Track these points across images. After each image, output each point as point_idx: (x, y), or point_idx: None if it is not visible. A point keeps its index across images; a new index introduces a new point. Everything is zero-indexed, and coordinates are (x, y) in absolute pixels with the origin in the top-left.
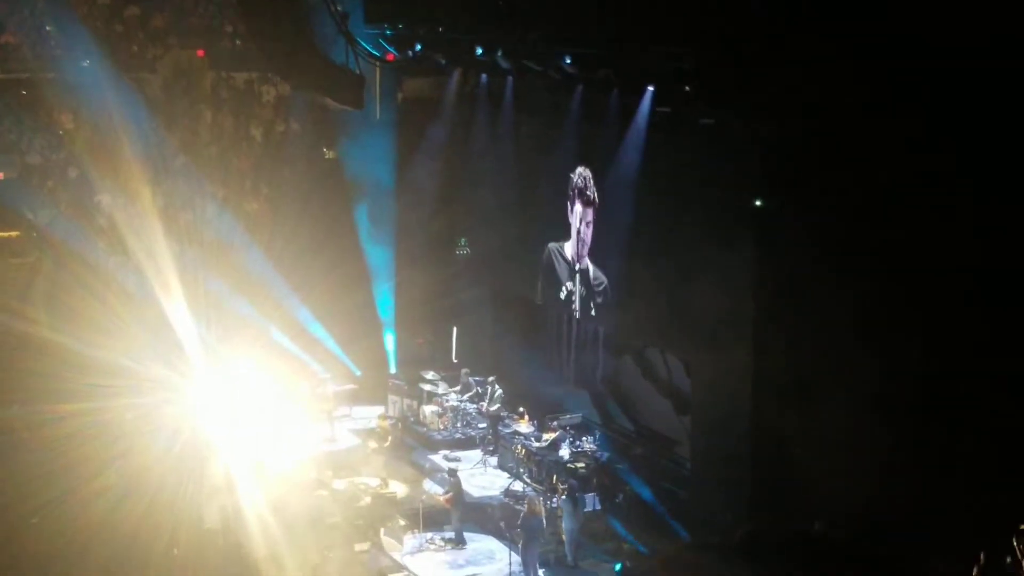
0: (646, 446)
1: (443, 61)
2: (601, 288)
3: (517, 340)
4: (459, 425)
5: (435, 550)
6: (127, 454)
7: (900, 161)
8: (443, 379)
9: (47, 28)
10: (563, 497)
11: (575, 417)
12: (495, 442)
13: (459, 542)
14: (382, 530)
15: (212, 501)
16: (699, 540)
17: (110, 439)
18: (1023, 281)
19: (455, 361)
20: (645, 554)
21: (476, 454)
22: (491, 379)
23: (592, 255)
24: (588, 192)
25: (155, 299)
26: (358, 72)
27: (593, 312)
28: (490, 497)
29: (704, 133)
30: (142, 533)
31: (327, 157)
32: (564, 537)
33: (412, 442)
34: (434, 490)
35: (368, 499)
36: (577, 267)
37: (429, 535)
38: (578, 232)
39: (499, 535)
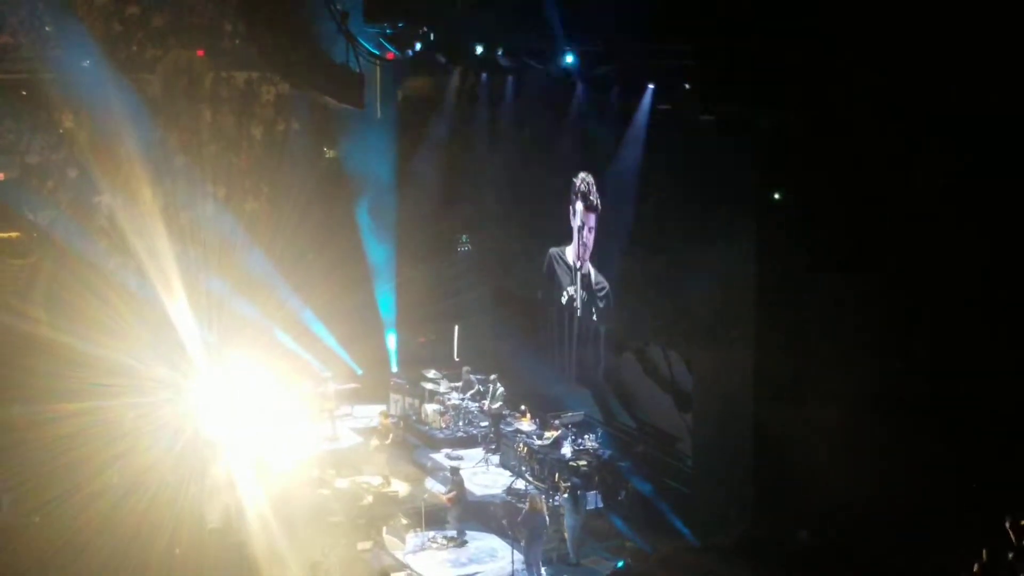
0: (648, 443)
1: (443, 60)
2: (603, 292)
3: (519, 338)
4: (461, 424)
5: (437, 549)
6: (128, 453)
7: (901, 158)
8: (445, 377)
9: (47, 28)
10: (565, 495)
11: (577, 415)
12: (497, 440)
13: (460, 540)
14: (384, 529)
15: (214, 500)
16: (700, 540)
17: (111, 438)
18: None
19: (457, 359)
20: (647, 552)
21: (478, 452)
22: (493, 377)
23: (594, 259)
24: (591, 197)
25: (156, 298)
26: (358, 71)
27: (595, 316)
28: (492, 495)
29: (704, 130)
30: (143, 532)
31: (328, 156)
32: (566, 535)
33: (414, 441)
34: (436, 489)
35: (370, 498)
36: (579, 272)
37: (431, 534)
38: (580, 236)
39: (501, 533)
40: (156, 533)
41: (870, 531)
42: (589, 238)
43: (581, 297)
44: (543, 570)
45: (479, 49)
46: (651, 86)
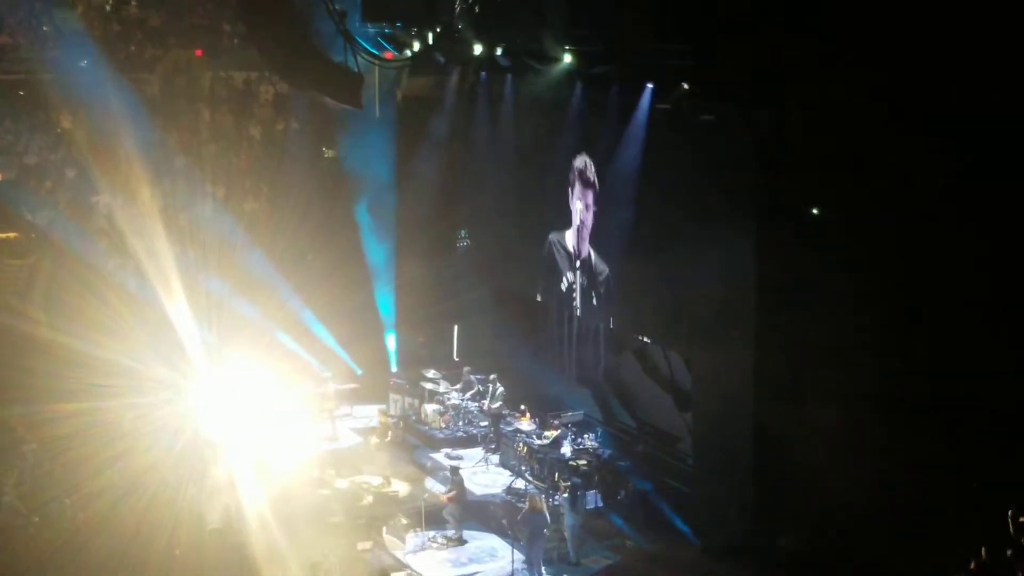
0: (648, 443)
1: (442, 59)
2: (603, 278)
3: (518, 338)
4: (461, 423)
5: (437, 548)
6: (128, 454)
7: (901, 157)
8: (444, 377)
9: (45, 28)
10: (565, 494)
11: (576, 415)
12: (497, 440)
13: (460, 539)
14: (384, 529)
15: (214, 500)
16: (700, 539)
17: (111, 439)
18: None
19: (456, 359)
20: (647, 551)
21: (478, 452)
22: (492, 377)
23: (594, 243)
24: (587, 174)
25: (156, 299)
26: (357, 71)
27: (595, 302)
28: (492, 495)
29: (704, 130)
30: (143, 532)
31: (327, 156)
32: (566, 534)
33: (414, 441)
34: (436, 488)
35: (370, 498)
36: (579, 258)
37: (431, 533)
38: (580, 218)
39: (501, 533)
40: (156, 533)
41: (870, 531)
42: (588, 218)
43: (581, 284)
44: (543, 569)
45: (478, 49)
46: (650, 85)
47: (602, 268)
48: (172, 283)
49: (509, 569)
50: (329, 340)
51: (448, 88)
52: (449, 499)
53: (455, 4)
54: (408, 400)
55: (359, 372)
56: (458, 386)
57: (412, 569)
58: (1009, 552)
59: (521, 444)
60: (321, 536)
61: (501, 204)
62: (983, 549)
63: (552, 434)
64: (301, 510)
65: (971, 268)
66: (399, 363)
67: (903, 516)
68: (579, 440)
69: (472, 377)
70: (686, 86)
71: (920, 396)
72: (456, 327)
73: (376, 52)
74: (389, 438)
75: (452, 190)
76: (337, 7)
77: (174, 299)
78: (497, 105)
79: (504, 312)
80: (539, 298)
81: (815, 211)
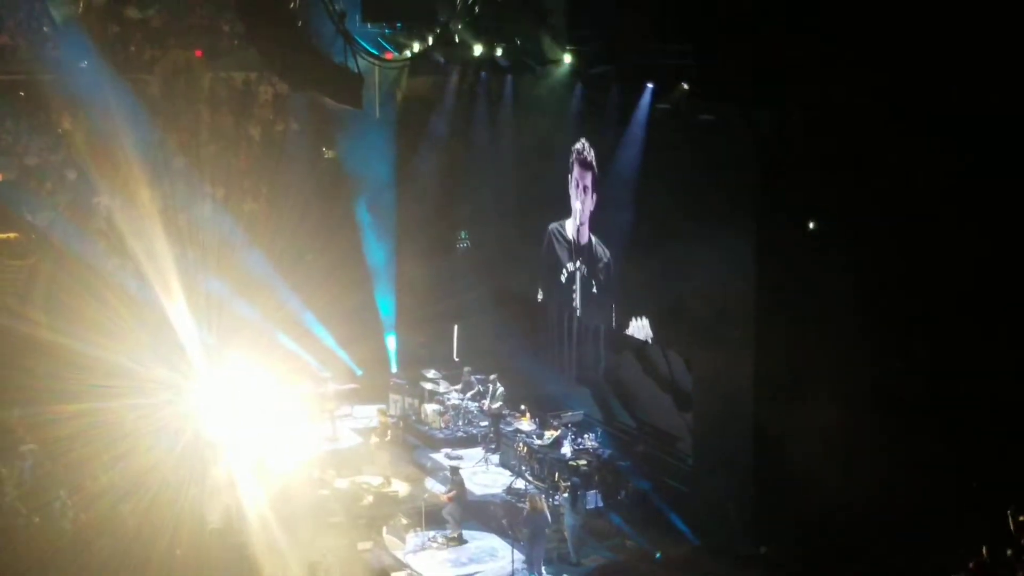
0: (648, 443)
1: (442, 60)
2: (603, 263)
3: (518, 338)
4: (461, 423)
5: (437, 548)
6: (129, 454)
7: (901, 157)
8: (444, 378)
9: (45, 29)
10: (565, 495)
11: (577, 415)
12: (497, 440)
13: (460, 539)
14: (384, 529)
15: (214, 501)
16: (700, 539)
17: (112, 440)
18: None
19: (456, 360)
20: (648, 550)
21: (478, 452)
22: (492, 377)
23: (594, 229)
24: (585, 155)
25: (156, 300)
26: (357, 71)
27: (595, 290)
28: (492, 495)
29: (704, 130)
30: (144, 532)
31: (327, 156)
32: (566, 534)
33: (414, 441)
34: (436, 488)
35: (370, 498)
36: (579, 245)
37: (431, 533)
38: (579, 201)
39: (501, 533)
40: (157, 533)
41: (870, 530)
42: (587, 201)
43: (581, 273)
44: (543, 569)
45: (478, 49)
46: (650, 85)
47: (602, 253)
48: (172, 284)
49: (509, 569)
50: (329, 340)
51: (448, 88)
52: (449, 499)
53: (455, 4)
54: (408, 400)
55: (359, 372)
56: (458, 386)
57: (412, 569)
58: (1009, 552)
59: (521, 444)
60: (321, 536)
61: (501, 204)
62: (983, 548)
63: (552, 434)
64: (301, 510)
65: (971, 268)
66: (399, 363)
67: (903, 516)
68: (579, 440)
69: (472, 377)
70: (686, 86)
71: (920, 396)
72: (456, 327)
73: (376, 52)
74: (388, 437)
75: (452, 190)
76: (337, 7)
77: (174, 300)
78: (497, 105)
79: (504, 312)
80: (540, 297)
81: (812, 224)
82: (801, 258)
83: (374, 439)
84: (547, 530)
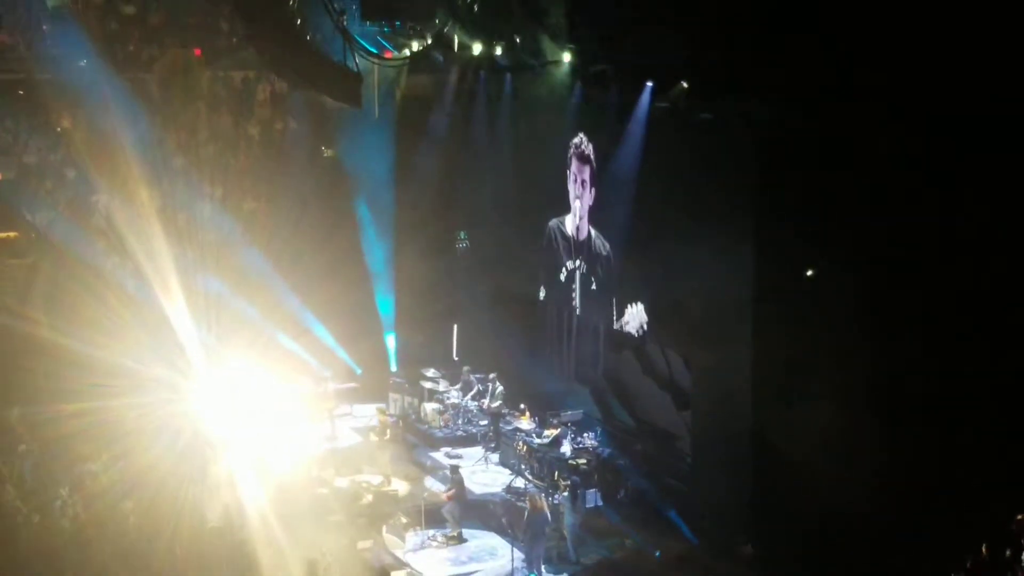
0: (647, 442)
1: (441, 58)
2: (603, 257)
3: (518, 337)
4: (460, 422)
5: (437, 547)
6: (129, 453)
7: (899, 155)
8: (444, 377)
9: (44, 28)
10: (565, 493)
11: (576, 414)
12: (496, 439)
13: (460, 538)
14: (384, 527)
15: (214, 499)
16: (699, 537)
17: (112, 438)
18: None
19: (456, 359)
20: (647, 549)
21: (477, 451)
22: (492, 376)
23: (594, 222)
24: (583, 148)
25: (155, 299)
26: (356, 70)
27: (594, 286)
28: (492, 494)
29: (703, 129)
30: (145, 531)
31: (326, 155)
32: (566, 533)
33: (414, 440)
34: (436, 487)
35: (370, 497)
36: (578, 241)
37: (431, 532)
38: (578, 196)
39: (501, 532)
40: (157, 532)
41: (868, 529)
42: (586, 196)
43: (580, 270)
44: (543, 568)
45: (477, 48)
46: (649, 84)
47: (602, 247)
48: (171, 283)
49: (509, 568)
50: (328, 339)
51: (447, 87)
52: (449, 498)
53: (454, 3)
54: (408, 399)
55: (358, 371)
56: (458, 385)
57: (412, 568)
58: (1008, 552)
59: (521, 443)
60: (321, 535)
61: (500, 202)
62: (983, 546)
63: (552, 433)
64: (301, 509)
65: (970, 268)
66: (399, 362)
67: (902, 515)
68: (578, 439)
69: (472, 376)
70: (685, 85)
71: (918, 395)
72: (455, 326)
73: (375, 51)
74: (388, 436)
75: (451, 189)
76: (336, 6)
77: (173, 299)
78: (496, 104)
79: (503, 311)
80: (541, 296)
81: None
82: (799, 257)
83: (373, 438)
84: (547, 529)
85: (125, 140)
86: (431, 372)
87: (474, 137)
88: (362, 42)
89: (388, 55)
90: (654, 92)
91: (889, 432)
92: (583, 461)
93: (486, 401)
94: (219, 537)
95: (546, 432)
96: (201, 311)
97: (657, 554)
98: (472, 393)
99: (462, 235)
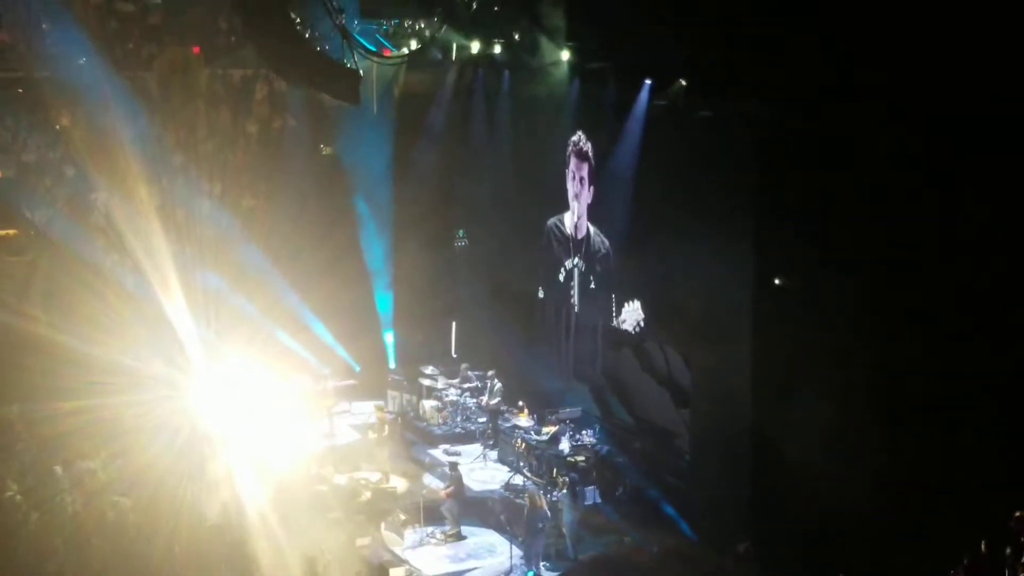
0: (646, 439)
1: (440, 56)
2: (601, 254)
3: (516, 334)
4: (459, 419)
5: (436, 544)
6: (127, 451)
7: (899, 153)
8: (442, 374)
9: (43, 26)
10: (563, 491)
11: (575, 411)
12: (495, 436)
13: (458, 535)
14: (383, 525)
15: (213, 497)
16: (698, 535)
17: (111, 436)
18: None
19: (454, 356)
20: (645, 546)
21: (476, 448)
22: (490, 373)
23: (592, 218)
24: (582, 146)
25: (154, 296)
26: (354, 67)
27: (593, 284)
28: (490, 491)
29: (702, 126)
30: (143, 529)
31: (324, 153)
32: (564, 531)
33: (412, 437)
34: (434, 484)
35: (369, 494)
36: (577, 239)
37: (430, 529)
38: (576, 193)
39: (500, 529)
40: (156, 529)
41: (867, 527)
42: (584, 194)
43: (579, 268)
44: (542, 565)
45: (476, 46)
46: (648, 82)
47: (601, 244)
48: (170, 280)
49: (507, 565)
50: (327, 337)
51: (446, 85)
52: (447, 495)
53: (452, 3)
54: (406, 396)
55: (357, 369)
56: (456, 382)
57: (411, 565)
58: (1008, 550)
59: (519, 440)
60: (319, 532)
61: (499, 200)
62: (982, 544)
63: (550, 430)
64: (300, 506)
65: (970, 267)
66: (397, 359)
67: (901, 512)
68: (577, 436)
69: (470, 373)
70: (684, 82)
71: (918, 394)
72: (454, 323)
73: (373, 49)
74: (386, 433)
75: (450, 186)
76: (335, 4)
77: (172, 296)
78: (495, 102)
79: (502, 309)
80: (540, 294)
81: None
82: (799, 255)
83: (372, 435)
84: (545, 526)
85: (124, 138)
86: (430, 369)
87: (473, 135)
88: (361, 40)
89: (387, 53)
90: (652, 90)
91: (888, 430)
92: (582, 458)
93: (485, 398)
94: (218, 534)
95: (544, 429)
96: (200, 308)
97: (653, 550)
98: (470, 389)
99: (461, 233)
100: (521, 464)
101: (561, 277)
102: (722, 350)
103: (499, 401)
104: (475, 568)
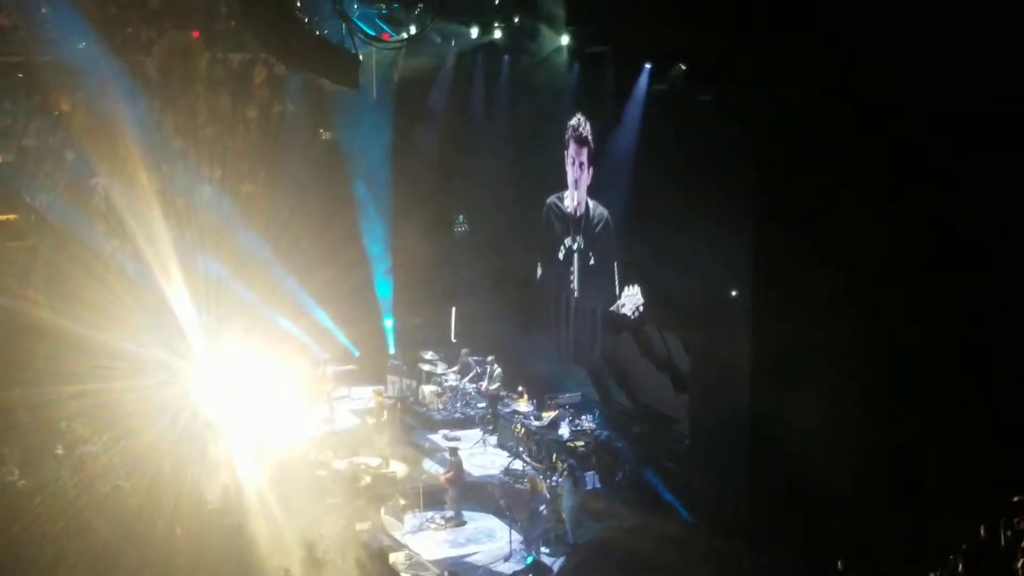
0: (645, 424)
1: (439, 40)
2: (601, 226)
3: (516, 320)
4: (458, 405)
5: (435, 529)
6: (128, 435)
7: (898, 139)
8: (442, 359)
9: (43, 10)
10: (563, 476)
11: (574, 396)
12: (494, 421)
13: (458, 520)
14: (382, 509)
15: (213, 481)
16: (696, 519)
17: (112, 420)
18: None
19: (454, 341)
20: (644, 531)
21: (475, 433)
22: (490, 359)
23: (591, 193)
24: (581, 130)
25: (154, 281)
26: (354, 52)
27: (592, 262)
28: (490, 476)
29: (701, 111)
30: (144, 513)
31: (323, 138)
32: (564, 516)
33: (412, 422)
34: (434, 469)
35: (368, 479)
36: (576, 217)
37: (429, 514)
38: (575, 177)
39: (499, 514)
40: (157, 513)
41: (865, 511)
42: (583, 176)
43: (579, 247)
44: (542, 550)
45: (475, 30)
46: (647, 66)
47: (600, 217)
48: (170, 266)
49: (507, 549)
50: (327, 322)
51: (445, 69)
52: (447, 480)
53: None
54: (406, 382)
55: (357, 354)
56: (456, 367)
57: (410, 549)
58: (1007, 534)
59: (519, 425)
60: (319, 517)
61: (499, 184)
62: (981, 529)
63: (550, 415)
64: (299, 491)
65: (970, 256)
66: (397, 345)
67: (898, 498)
68: (577, 421)
69: (470, 359)
70: (683, 67)
71: (917, 379)
72: (454, 309)
73: (373, 33)
74: (385, 418)
75: (449, 170)
76: None
77: (172, 281)
78: (494, 86)
79: (502, 294)
80: (539, 274)
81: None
82: (798, 239)
83: (370, 420)
84: (546, 510)
85: (124, 122)
86: (429, 354)
87: (472, 119)
88: (360, 24)
89: (386, 37)
90: (652, 74)
91: (886, 416)
92: (581, 443)
93: (484, 383)
94: (218, 518)
95: (544, 414)
96: (200, 293)
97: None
98: (470, 374)
99: (460, 218)
100: (520, 449)
101: (561, 256)
102: (721, 335)
103: (499, 386)
104: (475, 553)
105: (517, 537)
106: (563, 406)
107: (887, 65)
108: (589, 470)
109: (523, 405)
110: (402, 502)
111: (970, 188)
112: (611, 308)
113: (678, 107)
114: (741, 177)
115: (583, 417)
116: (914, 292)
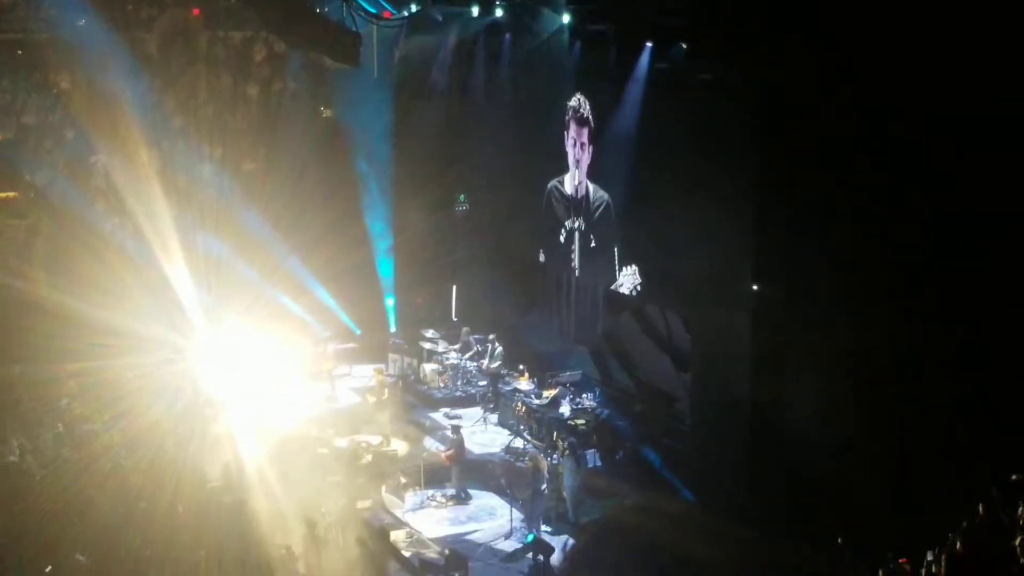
0: (646, 403)
1: (440, 18)
2: (601, 208)
3: (517, 298)
4: (459, 383)
5: (436, 507)
6: (129, 413)
7: (900, 121)
8: (443, 337)
9: None
10: (564, 454)
11: (575, 374)
12: (495, 400)
13: (460, 498)
14: (383, 487)
15: (214, 459)
16: (697, 497)
17: (113, 398)
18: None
19: (455, 319)
20: (645, 509)
21: (476, 412)
22: (491, 337)
23: (592, 177)
24: (582, 111)
25: (155, 259)
26: (355, 30)
27: (593, 243)
28: (491, 454)
29: (703, 89)
30: (145, 491)
31: (324, 116)
32: (565, 494)
33: (413, 400)
34: (435, 447)
35: (369, 457)
36: (577, 199)
37: (430, 492)
38: (576, 158)
39: (500, 492)
40: (158, 492)
41: (865, 490)
42: (583, 156)
43: (579, 229)
44: (542, 528)
45: (476, 8)
46: (649, 44)
47: (601, 199)
48: (170, 243)
49: (508, 528)
50: (328, 300)
51: (446, 47)
52: (448, 458)
53: None
54: (407, 360)
55: (358, 332)
56: (457, 346)
57: (411, 527)
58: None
59: (519, 404)
60: (320, 495)
61: (500, 163)
62: (979, 507)
63: (550, 394)
64: (300, 468)
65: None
66: (398, 323)
67: (898, 477)
68: (577, 400)
69: (471, 337)
70: (685, 46)
71: (917, 359)
72: (455, 287)
73: (374, 11)
74: (386, 396)
75: (450, 149)
76: None
77: (172, 259)
78: (495, 64)
79: (503, 272)
80: (541, 258)
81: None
82: (800, 218)
83: (371, 398)
84: (545, 488)
85: (124, 100)
86: (430, 333)
87: (473, 97)
88: (361, 2)
89: (387, 15)
90: (653, 53)
91: (887, 396)
92: (582, 422)
93: (485, 362)
94: (220, 496)
95: (545, 393)
96: (201, 271)
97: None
98: (471, 353)
99: (461, 197)
100: (521, 428)
101: (562, 238)
102: (722, 313)
103: (499, 365)
104: (476, 531)
105: (518, 515)
106: (564, 384)
107: (888, 54)
108: (590, 448)
109: (524, 383)
110: (403, 480)
111: (971, 177)
112: (612, 287)
113: (680, 86)
114: (742, 156)
115: (584, 396)
116: (914, 279)
